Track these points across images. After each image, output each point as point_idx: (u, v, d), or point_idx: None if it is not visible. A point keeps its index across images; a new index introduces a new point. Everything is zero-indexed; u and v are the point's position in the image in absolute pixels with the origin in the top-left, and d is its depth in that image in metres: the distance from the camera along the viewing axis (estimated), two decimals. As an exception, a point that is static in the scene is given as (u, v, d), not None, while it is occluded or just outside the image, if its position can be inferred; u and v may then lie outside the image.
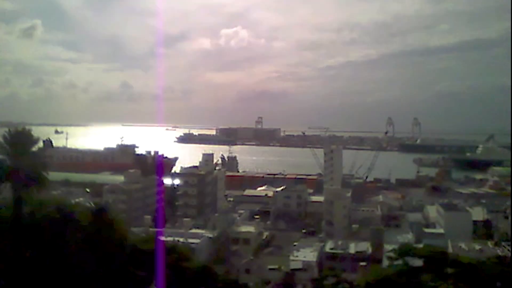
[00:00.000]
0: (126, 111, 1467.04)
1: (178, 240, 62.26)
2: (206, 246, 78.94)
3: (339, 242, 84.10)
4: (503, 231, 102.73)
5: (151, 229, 75.63)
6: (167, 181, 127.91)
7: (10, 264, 25.89)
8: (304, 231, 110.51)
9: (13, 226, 25.99)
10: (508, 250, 72.45)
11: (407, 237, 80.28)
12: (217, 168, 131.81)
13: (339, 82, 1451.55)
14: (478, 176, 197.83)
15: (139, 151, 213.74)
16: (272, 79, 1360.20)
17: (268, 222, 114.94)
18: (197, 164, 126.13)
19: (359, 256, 76.63)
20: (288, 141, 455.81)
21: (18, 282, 25.76)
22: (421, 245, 64.44)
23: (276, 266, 71.28)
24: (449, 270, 40.84)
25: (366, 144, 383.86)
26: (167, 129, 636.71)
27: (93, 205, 30.88)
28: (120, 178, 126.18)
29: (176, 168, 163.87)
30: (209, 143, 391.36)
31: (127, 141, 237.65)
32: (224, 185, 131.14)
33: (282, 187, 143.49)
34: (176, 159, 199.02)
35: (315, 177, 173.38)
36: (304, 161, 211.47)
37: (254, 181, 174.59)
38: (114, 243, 26.60)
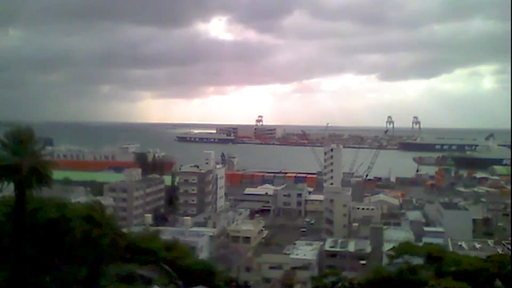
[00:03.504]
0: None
1: (179, 239, 62.28)
2: (206, 244, 79.08)
3: (339, 241, 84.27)
4: (503, 230, 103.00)
5: (151, 227, 75.84)
6: (168, 179, 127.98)
7: (11, 263, 25.98)
8: (304, 229, 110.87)
9: (14, 225, 26.06)
10: (508, 248, 72.56)
11: (407, 235, 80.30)
12: (217, 166, 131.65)
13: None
14: (478, 174, 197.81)
15: (139, 150, 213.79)
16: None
17: (269, 221, 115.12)
18: (197, 162, 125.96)
19: (359, 255, 76.82)
20: (288, 140, 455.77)
21: (19, 282, 25.87)
22: (421, 244, 64.67)
23: (276, 264, 71.46)
24: (449, 269, 40.93)
25: (366, 142, 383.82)
26: (167, 128, 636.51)
27: (87, 203, 30.96)
28: (120, 176, 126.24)
29: (176, 167, 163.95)
30: (209, 142, 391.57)
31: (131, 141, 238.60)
32: (224, 184, 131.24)
33: (282, 186, 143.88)
34: (176, 157, 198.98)
35: (315, 175, 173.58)
36: (303, 160, 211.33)
37: (254, 179, 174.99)
38: (106, 241, 26.61)
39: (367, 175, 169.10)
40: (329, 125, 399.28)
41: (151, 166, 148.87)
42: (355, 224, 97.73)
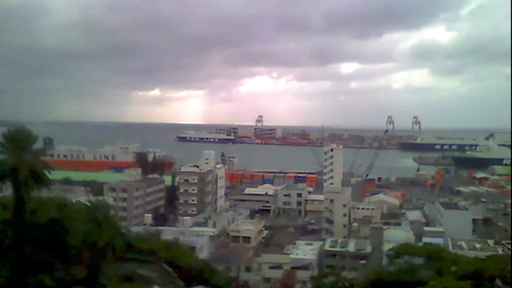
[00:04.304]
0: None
1: (179, 239, 62.33)
2: (206, 244, 79.02)
3: (339, 240, 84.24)
4: (503, 230, 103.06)
5: (151, 227, 75.90)
6: (168, 179, 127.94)
7: (11, 263, 25.97)
8: (304, 229, 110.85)
9: (13, 225, 26.05)
10: (508, 248, 72.61)
11: (407, 235, 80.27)
12: (217, 166, 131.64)
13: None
14: (478, 174, 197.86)
15: (139, 149, 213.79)
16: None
17: (269, 221, 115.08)
18: (197, 162, 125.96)
19: (359, 255, 76.74)
20: (288, 140, 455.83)
21: (19, 280, 25.86)
22: (421, 244, 64.72)
23: (276, 264, 71.41)
24: (449, 269, 40.94)
25: (366, 142, 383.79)
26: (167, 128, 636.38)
27: (89, 203, 30.89)
28: (120, 176, 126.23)
29: (177, 167, 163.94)
30: (210, 142, 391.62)
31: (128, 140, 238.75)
32: (224, 183, 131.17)
33: (282, 186, 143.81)
34: (176, 157, 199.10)
35: (315, 175, 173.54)
36: (303, 160, 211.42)
37: (254, 179, 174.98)
38: (108, 241, 26.61)
39: (367, 175, 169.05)
40: (330, 125, 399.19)
41: (151, 166, 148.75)
42: (355, 224, 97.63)
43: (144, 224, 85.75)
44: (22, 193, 25.20)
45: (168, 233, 70.93)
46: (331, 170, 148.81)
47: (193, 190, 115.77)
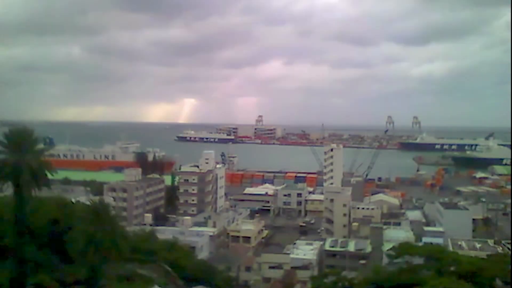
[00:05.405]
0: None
1: (178, 239, 62.36)
2: (206, 244, 79.09)
3: (339, 240, 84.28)
4: (502, 229, 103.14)
5: (150, 227, 75.96)
6: (168, 179, 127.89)
7: (13, 262, 25.97)
8: (304, 229, 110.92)
9: (14, 225, 26.04)
10: (508, 248, 72.67)
11: (407, 235, 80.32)
12: (217, 166, 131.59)
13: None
14: (478, 174, 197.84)
15: (139, 149, 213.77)
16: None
17: (269, 221, 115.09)
18: (197, 162, 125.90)
19: (359, 254, 76.82)
20: (288, 140, 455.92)
21: (20, 280, 25.86)
22: (421, 244, 64.79)
23: (276, 264, 71.44)
24: (449, 268, 40.99)
25: (366, 142, 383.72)
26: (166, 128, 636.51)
27: (91, 203, 30.83)
28: (120, 176, 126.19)
29: (176, 167, 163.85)
30: (210, 141, 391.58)
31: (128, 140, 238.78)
32: (224, 183, 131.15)
33: (282, 186, 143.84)
34: (176, 157, 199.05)
35: (315, 175, 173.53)
36: (303, 160, 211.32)
37: (254, 179, 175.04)
38: (108, 240, 26.59)
39: (367, 175, 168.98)
40: (329, 124, 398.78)
41: (151, 166, 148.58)
42: (355, 224, 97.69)
43: (144, 224, 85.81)
44: (23, 193, 25.21)
45: (168, 233, 71.03)
46: (331, 170, 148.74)
47: (193, 190, 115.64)
